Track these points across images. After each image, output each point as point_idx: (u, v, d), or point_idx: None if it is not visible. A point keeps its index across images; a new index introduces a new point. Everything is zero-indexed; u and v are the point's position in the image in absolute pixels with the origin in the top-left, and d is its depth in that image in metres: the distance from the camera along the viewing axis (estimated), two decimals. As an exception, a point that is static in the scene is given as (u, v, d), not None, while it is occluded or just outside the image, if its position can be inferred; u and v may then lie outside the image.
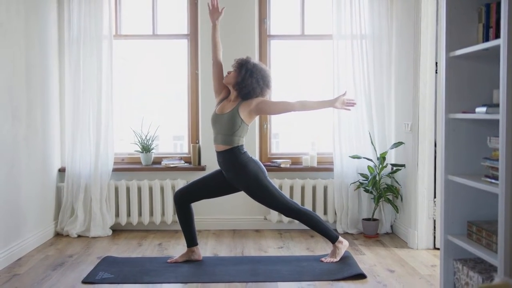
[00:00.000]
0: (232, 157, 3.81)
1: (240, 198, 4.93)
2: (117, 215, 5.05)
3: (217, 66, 4.01)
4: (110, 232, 4.95)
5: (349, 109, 4.02)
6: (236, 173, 3.85)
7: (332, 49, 4.95)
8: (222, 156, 3.85)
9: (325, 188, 5.07)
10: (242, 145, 3.84)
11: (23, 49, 4.30)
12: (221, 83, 3.99)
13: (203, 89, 5.06)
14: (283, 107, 3.89)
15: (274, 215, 5.02)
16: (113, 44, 4.95)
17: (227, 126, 3.79)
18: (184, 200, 3.96)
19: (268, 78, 3.87)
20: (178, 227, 4.99)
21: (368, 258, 4.13)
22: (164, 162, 5.08)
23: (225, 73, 3.95)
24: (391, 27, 4.95)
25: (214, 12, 4.00)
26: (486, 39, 2.68)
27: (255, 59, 3.93)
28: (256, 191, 3.87)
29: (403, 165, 4.72)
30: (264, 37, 5.18)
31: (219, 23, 4.02)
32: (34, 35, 4.50)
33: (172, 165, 5.05)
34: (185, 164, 5.13)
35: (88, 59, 4.89)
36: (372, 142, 4.87)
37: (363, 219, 4.88)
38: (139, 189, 5.04)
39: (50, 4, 4.84)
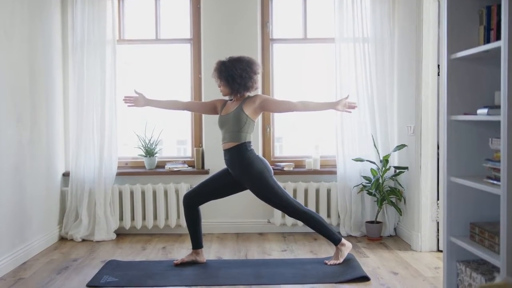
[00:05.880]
0: (238, 153, 3.84)
1: (244, 202, 4.96)
2: (121, 219, 5.07)
3: (192, 107, 4.30)
4: (114, 236, 4.96)
5: (350, 111, 4.06)
6: (241, 170, 3.87)
7: (334, 52, 4.96)
8: (230, 153, 3.88)
9: (329, 191, 5.08)
10: (249, 142, 3.88)
11: (27, 54, 4.33)
12: (210, 105, 4.13)
13: (206, 93, 5.07)
14: (286, 106, 3.94)
15: (277, 218, 5.03)
16: (117, 48, 4.99)
17: (233, 123, 3.84)
18: (193, 202, 3.98)
19: (247, 64, 3.88)
20: (182, 230, 5.03)
21: (371, 261, 4.14)
22: (168, 166, 5.10)
23: (212, 98, 4.19)
24: (393, 30, 4.96)
25: (138, 102, 4.12)
26: (487, 41, 2.69)
27: (232, 55, 3.97)
28: (260, 189, 3.89)
29: (406, 168, 4.73)
30: (266, 40, 5.20)
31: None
32: (38, 40, 4.53)
33: (175, 169, 5.07)
34: (189, 168, 5.16)
35: (91, 63, 4.92)
36: (375, 145, 4.87)
37: (367, 222, 4.88)
38: (143, 193, 5.06)
39: (54, 9, 4.88)
